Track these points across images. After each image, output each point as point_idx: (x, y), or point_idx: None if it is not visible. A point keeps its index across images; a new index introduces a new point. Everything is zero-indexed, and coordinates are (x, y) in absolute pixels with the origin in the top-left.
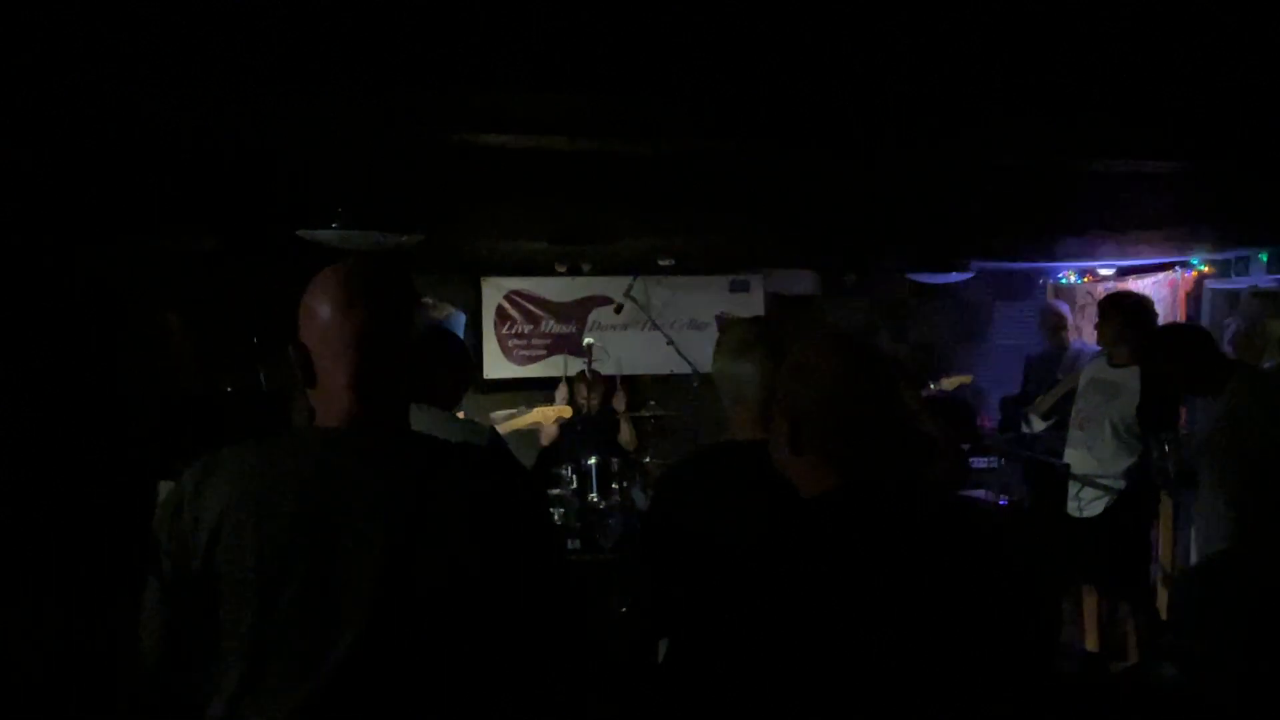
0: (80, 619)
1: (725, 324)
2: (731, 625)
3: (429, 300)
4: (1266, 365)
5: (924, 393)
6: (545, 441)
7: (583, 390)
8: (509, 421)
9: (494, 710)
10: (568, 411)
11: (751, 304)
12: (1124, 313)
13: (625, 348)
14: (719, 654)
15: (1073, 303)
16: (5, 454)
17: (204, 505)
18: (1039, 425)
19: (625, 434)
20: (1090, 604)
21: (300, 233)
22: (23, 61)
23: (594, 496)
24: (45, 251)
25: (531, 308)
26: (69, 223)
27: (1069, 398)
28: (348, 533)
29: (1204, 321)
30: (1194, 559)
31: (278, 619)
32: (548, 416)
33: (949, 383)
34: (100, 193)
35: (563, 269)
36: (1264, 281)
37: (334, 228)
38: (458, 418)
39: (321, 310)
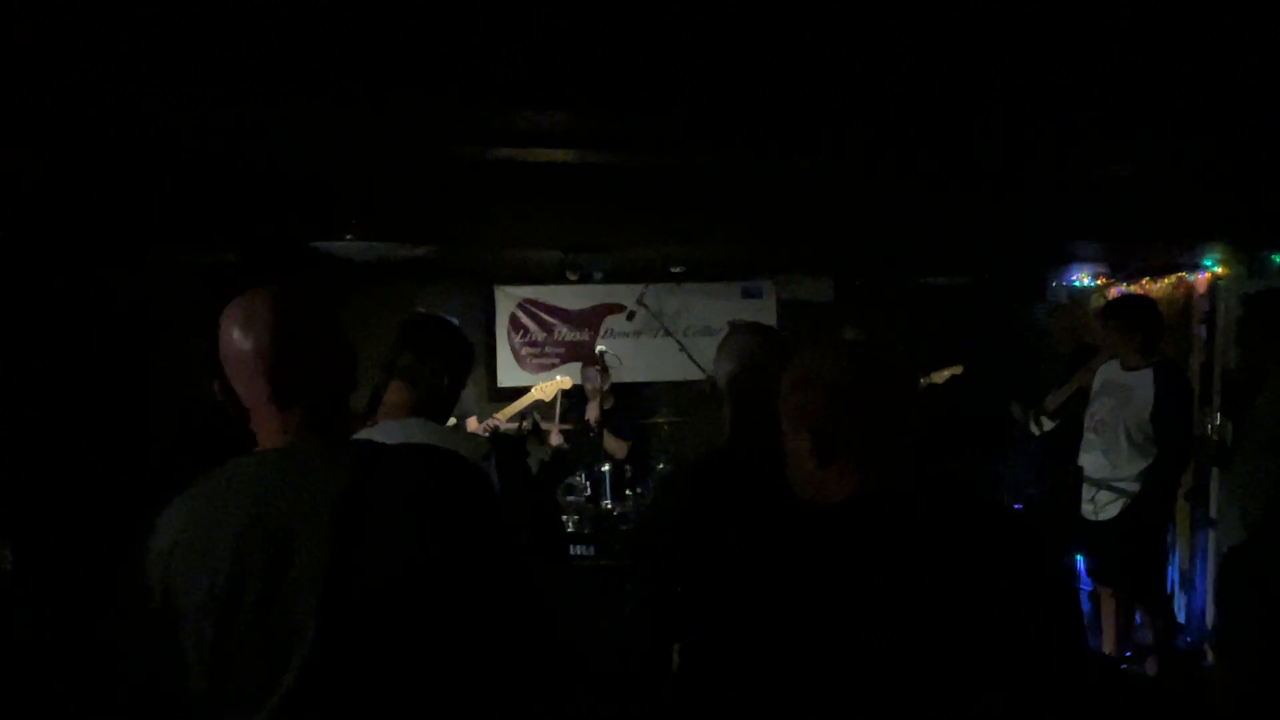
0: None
1: (729, 328)
2: (761, 634)
3: (421, 309)
4: None
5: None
6: (553, 441)
7: (594, 376)
8: (508, 408)
9: (460, 709)
10: (567, 383)
11: (764, 310)
12: (1125, 319)
13: (638, 355)
14: (744, 663)
15: (1086, 305)
16: (33, 466)
17: (154, 542)
18: (1047, 425)
19: (610, 444)
20: (1108, 607)
21: (315, 245)
22: (46, 81)
23: (608, 503)
24: (73, 270)
25: (545, 316)
26: (97, 241)
27: (1077, 397)
28: (293, 548)
29: (1218, 323)
30: (1215, 536)
31: (235, 641)
32: (546, 392)
33: (939, 375)
34: (124, 211)
35: (575, 277)
36: (1277, 283)
37: (349, 240)
38: (456, 431)
39: (230, 337)
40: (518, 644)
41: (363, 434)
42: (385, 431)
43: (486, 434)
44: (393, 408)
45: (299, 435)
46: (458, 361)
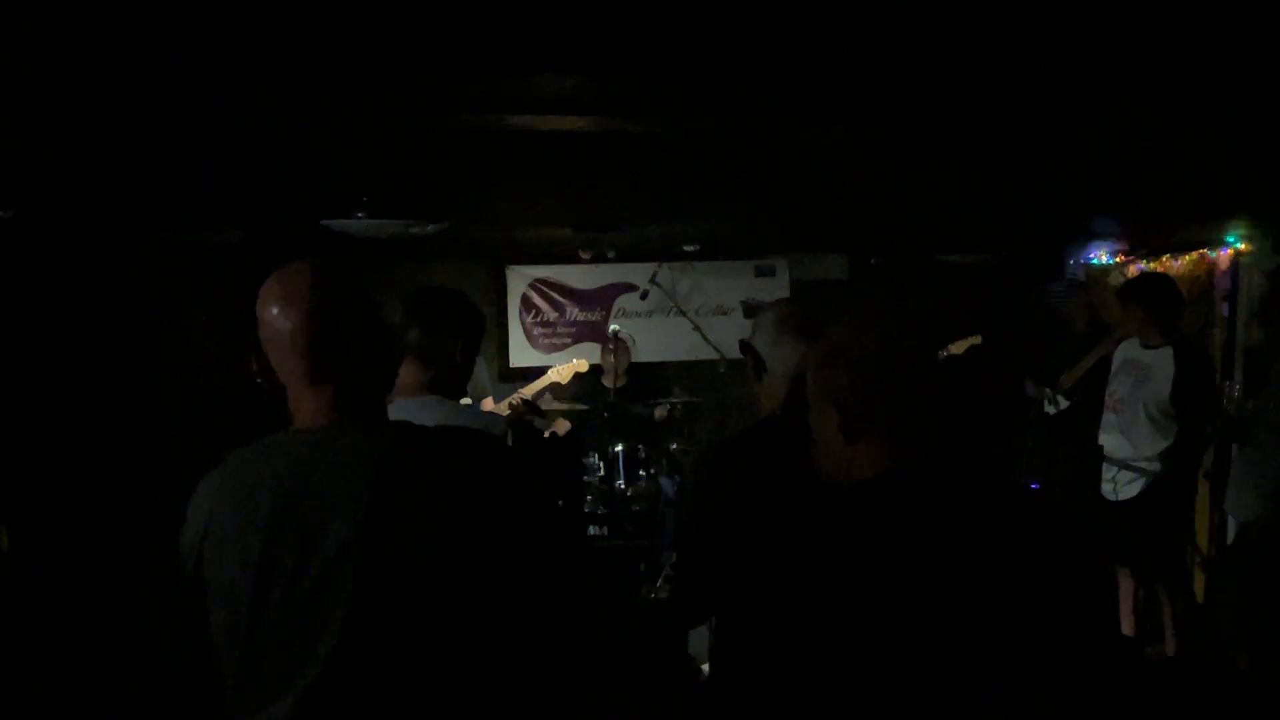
0: (110, 610)
1: (774, 303)
2: (791, 613)
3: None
4: None
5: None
6: (560, 432)
7: (609, 357)
8: (527, 387)
9: (490, 696)
10: (584, 366)
11: (777, 289)
12: (1144, 298)
13: (650, 334)
14: (772, 643)
15: (1104, 283)
16: (42, 450)
17: (188, 518)
18: (1062, 403)
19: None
20: (1126, 588)
21: (325, 223)
22: (52, 63)
23: (621, 483)
24: (79, 250)
25: (557, 296)
26: (104, 222)
27: (1091, 376)
28: (326, 530)
29: (1241, 299)
30: (1229, 513)
31: (267, 621)
32: (563, 374)
33: (957, 346)
34: (130, 192)
35: (587, 256)
36: None
37: (359, 218)
38: (472, 409)
39: (268, 314)
40: (547, 626)
41: None
42: (401, 410)
43: (509, 412)
44: (406, 386)
45: (334, 415)
46: (467, 331)
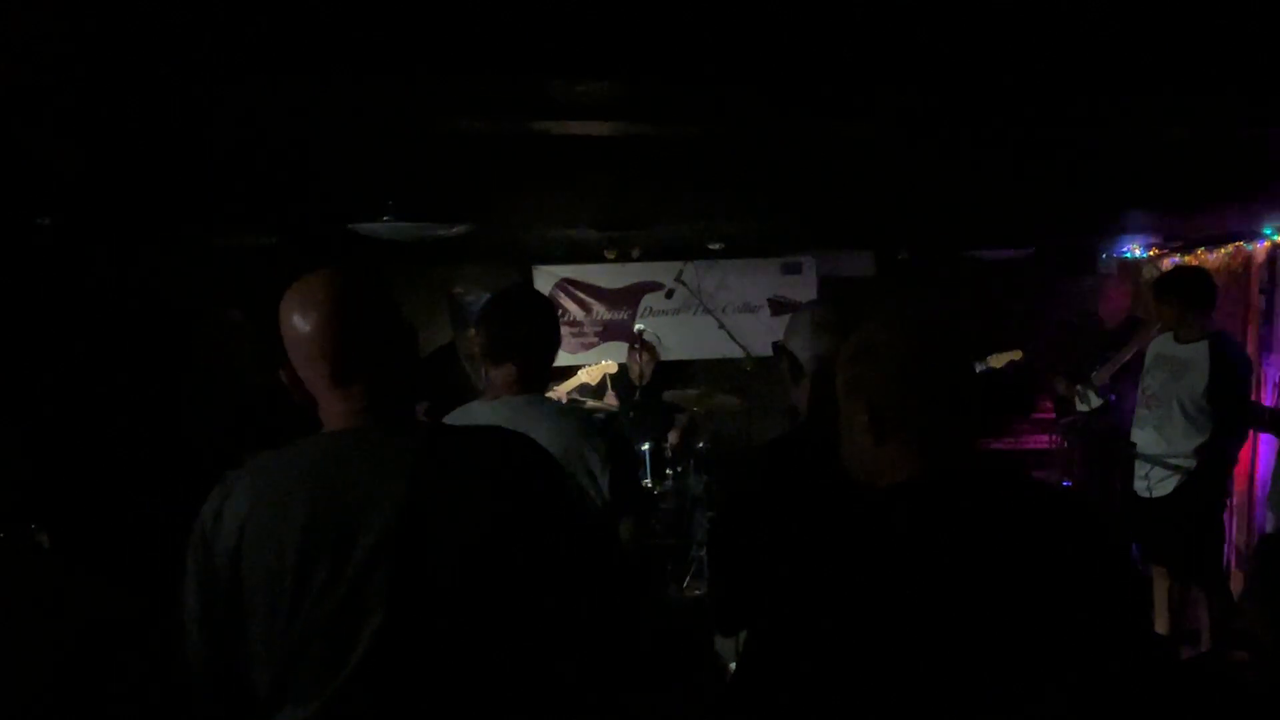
0: (149, 609)
1: (808, 305)
2: (823, 618)
3: (459, 289)
4: None
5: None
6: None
7: (635, 357)
8: (558, 388)
9: (520, 696)
10: (613, 367)
11: (804, 286)
12: (1180, 292)
13: (677, 333)
14: (805, 649)
15: (1138, 276)
16: (80, 451)
17: (224, 524)
18: (1095, 401)
19: (673, 437)
20: (1161, 586)
21: (352, 226)
22: (82, 69)
23: (647, 481)
24: (113, 253)
25: (583, 295)
26: (135, 225)
27: (1125, 371)
28: (360, 530)
29: (1278, 293)
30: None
31: (304, 620)
32: (593, 375)
33: (997, 359)
34: (161, 195)
35: (612, 255)
36: None
37: (385, 220)
38: (580, 407)
39: (289, 321)
40: (585, 628)
41: (479, 410)
42: (509, 408)
43: None
44: (508, 385)
45: (363, 417)
46: (557, 329)
